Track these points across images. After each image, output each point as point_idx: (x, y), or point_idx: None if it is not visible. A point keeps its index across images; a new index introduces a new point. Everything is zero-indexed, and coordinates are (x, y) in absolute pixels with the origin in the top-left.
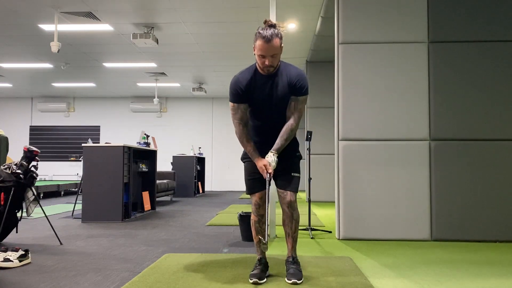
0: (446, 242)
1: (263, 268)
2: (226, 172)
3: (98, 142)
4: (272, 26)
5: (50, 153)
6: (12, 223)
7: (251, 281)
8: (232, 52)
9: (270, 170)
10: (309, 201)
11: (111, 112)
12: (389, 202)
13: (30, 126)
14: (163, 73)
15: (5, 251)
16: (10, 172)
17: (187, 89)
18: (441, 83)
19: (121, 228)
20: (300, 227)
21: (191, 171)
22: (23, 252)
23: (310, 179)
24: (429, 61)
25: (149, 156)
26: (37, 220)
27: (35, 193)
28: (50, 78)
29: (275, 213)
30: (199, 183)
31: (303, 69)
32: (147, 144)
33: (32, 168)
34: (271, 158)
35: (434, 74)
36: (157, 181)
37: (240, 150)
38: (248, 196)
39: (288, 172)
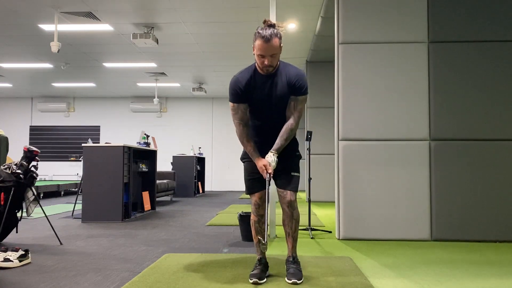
0: (446, 242)
1: (263, 268)
2: (226, 172)
3: (98, 142)
4: (271, 26)
5: (50, 153)
6: (12, 223)
7: (251, 281)
8: (232, 52)
9: (270, 170)
10: (309, 201)
11: (111, 112)
12: (389, 202)
13: (30, 126)
14: (163, 73)
15: (5, 251)
16: (10, 172)
17: (187, 89)
18: (441, 83)
19: (121, 228)
20: (300, 227)
21: (191, 171)
22: (23, 252)
23: (310, 179)
24: (429, 61)
25: (149, 156)
26: (37, 220)
27: (35, 193)
28: (50, 78)
29: (275, 213)
30: (199, 183)
31: (303, 69)
32: (147, 144)
33: (32, 168)
34: (271, 158)
35: (434, 74)
36: (157, 181)
37: (240, 150)
38: (248, 196)
39: (287, 171)
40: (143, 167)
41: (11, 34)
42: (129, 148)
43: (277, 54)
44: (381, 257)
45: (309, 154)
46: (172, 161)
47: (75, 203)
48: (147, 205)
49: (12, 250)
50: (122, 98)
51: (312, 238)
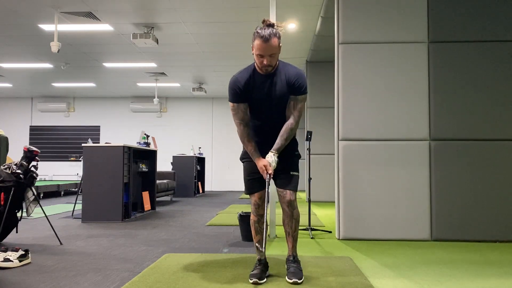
0: (446, 242)
1: (263, 268)
2: (226, 172)
3: (98, 142)
4: (270, 25)
5: (50, 153)
6: (12, 223)
7: (251, 281)
8: (232, 52)
9: (270, 171)
10: (309, 201)
11: (111, 112)
12: (389, 202)
13: (30, 126)
14: (163, 73)
15: (5, 251)
16: (10, 172)
17: (187, 89)
18: (441, 83)
19: (121, 228)
20: (300, 227)
21: (191, 171)
22: (23, 252)
23: (310, 179)
24: (429, 61)
25: (149, 156)
26: (37, 220)
27: (35, 193)
28: (50, 78)
29: (275, 213)
30: (199, 183)
31: (303, 69)
32: (147, 144)
33: (32, 168)
34: (271, 158)
35: (434, 74)
36: (157, 181)
37: (240, 150)
38: (248, 196)
39: (287, 171)
40: (143, 167)
41: (11, 34)
42: (129, 148)
43: (276, 54)
44: (381, 257)
45: (309, 154)
46: (172, 161)
47: (75, 203)
48: (147, 205)
49: (12, 250)
50: (122, 98)
51: (312, 238)
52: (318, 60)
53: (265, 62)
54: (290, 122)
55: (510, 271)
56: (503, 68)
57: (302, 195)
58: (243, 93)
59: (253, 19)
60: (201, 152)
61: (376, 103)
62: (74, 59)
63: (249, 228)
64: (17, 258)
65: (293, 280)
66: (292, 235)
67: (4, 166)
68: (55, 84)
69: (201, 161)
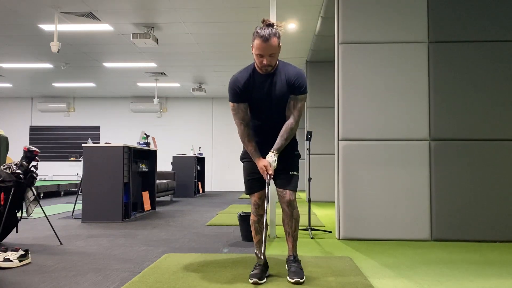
0: (446, 242)
1: (263, 268)
2: (226, 172)
3: (98, 142)
4: (270, 25)
5: (50, 153)
6: (12, 223)
7: (251, 281)
8: (232, 52)
9: (271, 172)
10: (309, 201)
11: (111, 112)
12: (389, 202)
13: (30, 126)
14: (163, 73)
15: (5, 251)
16: (10, 172)
17: (187, 89)
18: (441, 83)
19: (121, 228)
20: (300, 227)
21: (191, 171)
22: (23, 252)
23: (310, 179)
24: (429, 61)
25: (149, 156)
26: (37, 220)
27: (35, 193)
28: (50, 78)
29: (275, 213)
30: (199, 183)
31: (303, 69)
32: (147, 144)
33: (32, 168)
34: (271, 158)
35: (434, 74)
36: (157, 181)
37: (240, 150)
38: (248, 196)
39: (287, 171)
40: (143, 167)
41: (11, 34)
42: (129, 148)
43: (276, 54)
44: (381, 257)
45: (309, 154)
46: (172, 161)
47: (75, 203)
48: (147, 205)
49: (12, 250)
50: (122, 98)
51: (312, 238)
52: (318, 60)
53: (264, 62)
54: (290, 122)
55: (510, 271)
56: (503, 68)
57: (302, 195)
58: (243, 93)
59: (253, 19)
60: (201, 152)
61: (376, 103)
62: (74, 59)
63: (249, 228)
64: (17, 258)
65: (295, 279)
66: (292, 235)
67: (4, 166)
68: (55, 84)
69: (201, 161)
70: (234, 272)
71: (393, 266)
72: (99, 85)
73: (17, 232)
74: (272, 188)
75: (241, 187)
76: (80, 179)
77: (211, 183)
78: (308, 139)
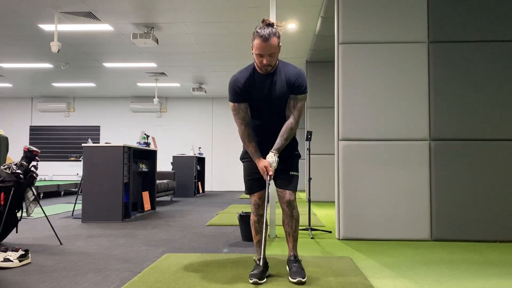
0: (446, 242)
1: (263, 268)
2: (226, 172)
3: (98, 142)
4: (270, 25)
5: (50, 153)
6: (12, 223)
7: (251, 281)
8: (232, 52)
9: (271, 173)
10: (309, 201)
11: (111, 112)
12: (389, 202)
13: (30, 126)
14: (163, 73)
15: (5, 251)
16: (10, 172)
17: (187, 89)
18: (441, 83)
19: (121, 228)
20: (300, 227)
21: (191, 171)
22: (23, 252)
23: (310, 179)
24: (429, 61)
25: (149, 156)
26: (37, 220)
27: (35, 193)
28: (50, 78)
29: (275, 213)
30: (199, 183)
31: (303, 69)
32: (147, 144)
33: (32, 168)
34: (272, 158)
35: (434, 74)
36: (157, 181)
37: (240, 150)
38: (248, 196)
39: (287, 171)
40: (143, 167)
41: (11, 34)
42: (129, 148)
43: (276, 53)
44: (381, 257)
45: (309, 154)
46: (172, 161)
47: (75, 203)
48: (147, 205)
49: (12, 250)
50: (122, 98)
51: (312, 238)
52: (318, 60)
53: (264, 61)
54: (290, 121)
55: (510, 271)
56: (503, 68)
57: (302, 195)
58: (243, 92)
59: (253, 19)
60: (201, 152)
61: (376, 103)
62: (74, 59)
63: (249, 228)
64: (17, 258)
65: (297, 279)
66: (293, 235)
67: (4, 166)
68: (55, 84)
69: (201, 161)
70: (234, 272)
71: (393, 266)
72: (99, 85)
73: (17, 232)
74: (272, 188)
75: (241, 187)
76: (80, 179)
77: (211, 183)
78: (308, 139)
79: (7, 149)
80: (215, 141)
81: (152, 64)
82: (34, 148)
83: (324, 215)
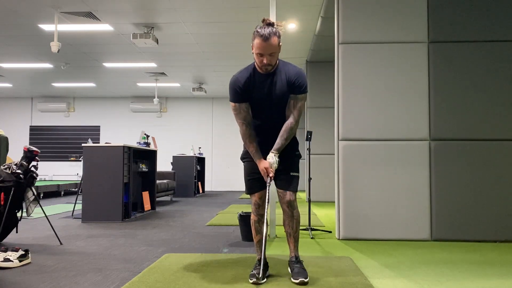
0: (446, 242)
1: (263, 268)
2: (226, 172)
3: (98, 142)
4: (270, 24)
5: (50, 153)
6: (12, 223)
7: (251, 281)
8: (232, 52)
9: (271, 174)
10: (309, 201)
11: (111, 112)
12: (389, 202)
13: (30, 126)
14: (163, 73)
15: (5, 251)
16: (10, 172)
17: (187, 89)
18: (441, 83)
19: (121, 228)
20: (300, 227)
21: (191, 171)
22: (23, 252)
23: (310, 179)
24: (429, 61)
25: (149, 156)
26: (37, 220)
27: (35, 193)
28: (50, 78)
29: (275, 213)
30: (199, 183)
31: (303, 69)
32: (147, 144)
33: (32, 168)
34: (272, 159)
35: (434, 74)
36: (157, 181)
37: (240, 150)
38: (248, 196)
39: (287, 171)
40: (143, 167)
41: (11, 34)
42: (129, 148)
43: (276, 53)
44: (381, 257)
45: (309, 154)
46: (172, 161)
47: (75, 203)
48: (147, 205)
49: (12, 250)
50: (122, 98)
51: (312, 238)
52: (318, 60)
53: (265, 61)
54: (290, 121)
55: (510, 271)
56: (503, 68)
57: (302, 195)
58: (243, 92)
59: (253, 19)
60: (201, 152)
61: (376, 103)
62: (74, 59)
63: (249, 228)
64: (17, 258)
65: (300, 279)
66: (294, 235)
67: (4, 166)
68: (55, 84)
69: (201, 161)
70: (234, 272)
71: (393, 266)
72: (99, 85)
73: (17, 232)
74: (272, 188)
75: (241, 187)
76: (80, 179)
77: (211, 183)
78: (308, 139)
79: (7, 149)
80: (215, 141)
81: (152, 64)
82: (34, 148)
83: (324, 215)
